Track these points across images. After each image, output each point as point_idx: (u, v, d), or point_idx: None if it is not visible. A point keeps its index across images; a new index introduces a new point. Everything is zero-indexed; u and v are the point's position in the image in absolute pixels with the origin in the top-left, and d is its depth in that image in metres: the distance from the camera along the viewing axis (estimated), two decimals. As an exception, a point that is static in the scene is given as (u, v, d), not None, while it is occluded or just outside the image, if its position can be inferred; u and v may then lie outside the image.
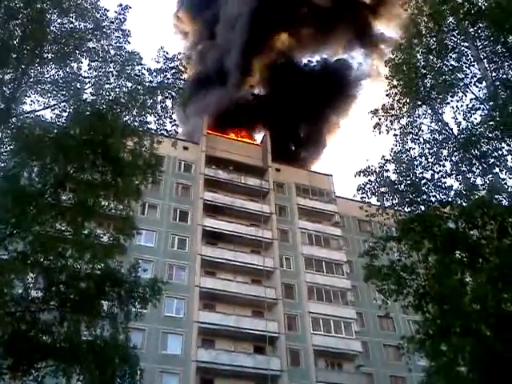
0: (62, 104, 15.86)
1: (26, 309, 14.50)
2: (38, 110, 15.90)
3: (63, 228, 14.96)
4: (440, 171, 14.69)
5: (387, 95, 16.68)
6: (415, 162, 15.20)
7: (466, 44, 15.32)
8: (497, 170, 13.75)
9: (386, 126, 16.51)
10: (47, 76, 16.16)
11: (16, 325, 14.09)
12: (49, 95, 16.03)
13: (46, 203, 14.25)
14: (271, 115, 72.62)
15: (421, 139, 15.78)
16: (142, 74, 16.28)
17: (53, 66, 16.20)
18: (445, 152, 14.96)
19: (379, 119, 16.65)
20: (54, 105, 15.91)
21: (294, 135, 77.43)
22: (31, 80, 15.97)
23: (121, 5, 16.68)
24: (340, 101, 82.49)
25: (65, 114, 15.58)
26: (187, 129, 65.52)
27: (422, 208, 14.70)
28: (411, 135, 16.05)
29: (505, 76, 14.23)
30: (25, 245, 14.06)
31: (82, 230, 15.22)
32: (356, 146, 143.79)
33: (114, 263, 15.68)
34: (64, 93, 15.94)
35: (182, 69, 16.44)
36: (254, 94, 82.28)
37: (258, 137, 63.13)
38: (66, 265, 14.61)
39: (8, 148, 15.01)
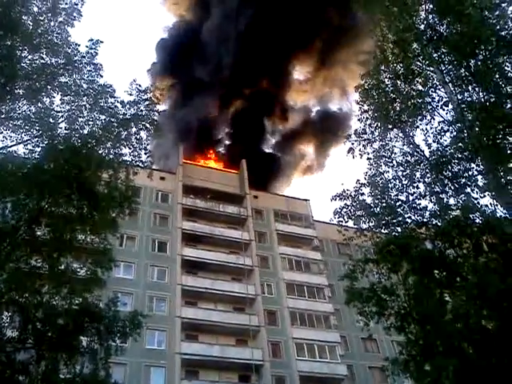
0: (35, 139, 15.77)
1: (1, 349, 14.12)
2: (11, 146, 15.78)
3: (39, 264, 14.72)
4: (414, 193, 14.92)
5: (359, 120, 17.01)
6: (389, 185, 15.43)
7: (432, 69, 15.66)
8: (468, 189, 14.01)
9: (360, 150, 16.77)
10: (19, 112, 16.05)
11: (-10, 366, 13.73)
12: (21, 131, 15.92)
13: (20, 239, 14.04)
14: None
15: (394, 162, 16.04)
16: (116, 106, 16.37)
17: (24, 101, 16.13)
18: (418, 174, 15.23)
19: (352, 144, 16.92)
20: (27, 140, 15.81)
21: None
22: (3, 116, 15.83)
23: (92, 39, 16.81)
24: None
25: (38, 149, 15.50)
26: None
27: (399, 229, 14.84)
28: (384, 158, 16.31)
29: (469, 98, 14.55)
30: (-2, 283, 13.80)
31: (58, 265, 15.00)
32: (332, 170, 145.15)
33: (92, 297, 15.46)
34: (37, 128, 15.84)
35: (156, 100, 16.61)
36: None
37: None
38: (42, 301, 14.39)
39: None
